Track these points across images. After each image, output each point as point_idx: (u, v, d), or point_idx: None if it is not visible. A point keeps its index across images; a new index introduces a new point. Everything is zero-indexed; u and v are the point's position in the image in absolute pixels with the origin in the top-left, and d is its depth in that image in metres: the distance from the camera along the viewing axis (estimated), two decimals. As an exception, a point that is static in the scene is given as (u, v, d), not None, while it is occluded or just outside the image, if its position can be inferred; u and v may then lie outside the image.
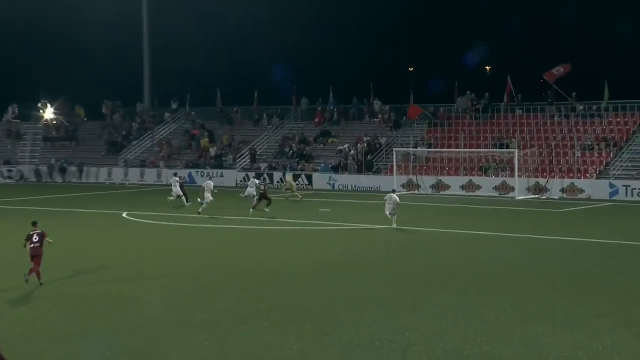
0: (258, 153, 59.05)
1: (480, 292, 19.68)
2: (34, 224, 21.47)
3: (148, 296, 19.68)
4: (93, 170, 61.07)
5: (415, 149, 52.69)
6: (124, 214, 37.39)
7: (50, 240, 21.25)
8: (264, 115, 63.84)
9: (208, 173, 56.56)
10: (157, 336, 16.23)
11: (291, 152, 57.81)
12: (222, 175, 55.67)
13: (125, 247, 27.72)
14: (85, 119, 71.06)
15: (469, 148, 51.85)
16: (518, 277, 21.73)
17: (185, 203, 40.64)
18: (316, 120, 61.58)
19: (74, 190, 53.23)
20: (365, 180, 51.83)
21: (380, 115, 59.46)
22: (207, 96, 67.10)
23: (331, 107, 61.95)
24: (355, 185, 51.90)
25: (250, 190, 41.00)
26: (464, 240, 29.09)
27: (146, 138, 65.55)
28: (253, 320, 17.19)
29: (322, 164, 55.00)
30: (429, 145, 53.36)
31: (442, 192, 48.82)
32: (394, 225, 31.79)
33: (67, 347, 15.66)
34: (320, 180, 53.13)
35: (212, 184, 39.31)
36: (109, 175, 60.51)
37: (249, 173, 55.39)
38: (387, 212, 32.16)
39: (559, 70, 52.51)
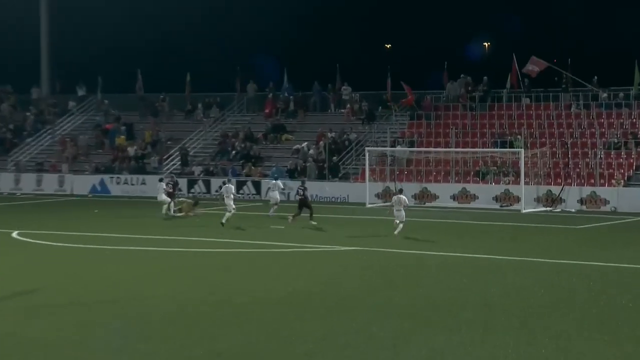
0: (191, 153, 59.10)
1: (477, 330, 20.00)
2: None
3: (53, 336, 19.72)
4: (-26, 176, 60.73)
5: (393, 149, 53.11)
6: (15, 234, 37.30)
7: None
8: (199, 105, 63.94)
9: (126, 179, 56.52)
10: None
11: (234, 152, 57.96)
12: (144, 183, 55.64)
13: (19, 277, 27.62)
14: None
15: (463, 147, 52.37)
16: (525, 312, 22.06)
17: (169, 211, 43.02)
18: (266, 111, 61.81)
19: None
20: (330, 189, 52.12)
21: (349, 105, 59.86)
22: (125, 80, 66.96)
23: (286, 95, 62.23)
24: (316, 195, 52.04)
25: (273, 195, 42.74)
26: (457, 266, 29.46)
27: (45, 134, 65.26)
28: (190, 367, 17.40)
29: (274, 168, 55.20)
30: (411, 144, 53.79)
31: (428, 204, 49.25)
32: (396, 232, 34.08)
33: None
34: (272, 188, 53.33)
35: (233, 187, 40.94)
36: (-5, 182, 60.21)
37: (179, 178, 55.37)
38: (397, 221, 34.18)
39: (533, 67, 53.20)
